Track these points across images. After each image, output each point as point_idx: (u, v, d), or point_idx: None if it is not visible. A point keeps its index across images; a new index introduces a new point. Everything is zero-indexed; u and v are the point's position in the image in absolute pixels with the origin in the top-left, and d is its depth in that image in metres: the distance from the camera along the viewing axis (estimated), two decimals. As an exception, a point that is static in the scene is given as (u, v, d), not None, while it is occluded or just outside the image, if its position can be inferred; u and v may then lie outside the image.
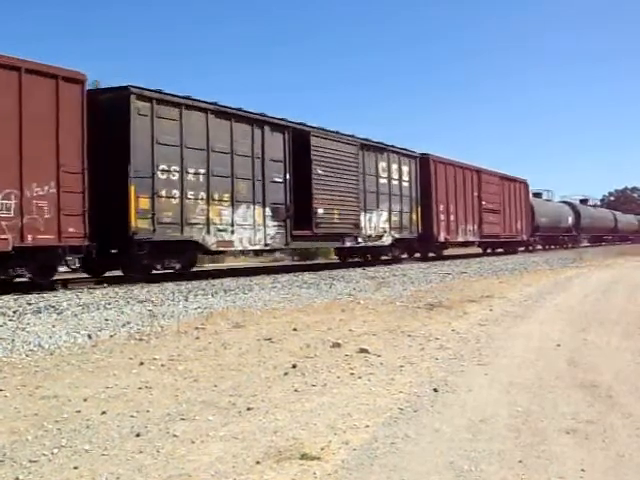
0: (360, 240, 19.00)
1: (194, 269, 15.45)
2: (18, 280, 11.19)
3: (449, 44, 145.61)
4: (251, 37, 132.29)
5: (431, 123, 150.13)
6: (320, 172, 17.11)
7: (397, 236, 20.73)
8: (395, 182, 20.74)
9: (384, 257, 21.02)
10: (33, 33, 75.69)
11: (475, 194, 26.11)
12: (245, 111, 14.87)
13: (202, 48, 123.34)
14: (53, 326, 7.27)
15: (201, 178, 13.47)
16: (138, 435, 3.69)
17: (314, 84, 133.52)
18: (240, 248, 15.28)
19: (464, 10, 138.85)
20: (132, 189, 11.91)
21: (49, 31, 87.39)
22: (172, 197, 12.80)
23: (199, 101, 13.67)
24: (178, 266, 13.77)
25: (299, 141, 16.44)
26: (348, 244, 18.87)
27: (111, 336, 6.90)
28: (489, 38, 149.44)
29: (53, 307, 8.82)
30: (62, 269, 12.38)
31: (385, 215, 20.15)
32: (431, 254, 24.08)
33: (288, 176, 16.02)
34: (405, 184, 21.33)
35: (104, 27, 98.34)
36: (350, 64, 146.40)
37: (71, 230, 11.06)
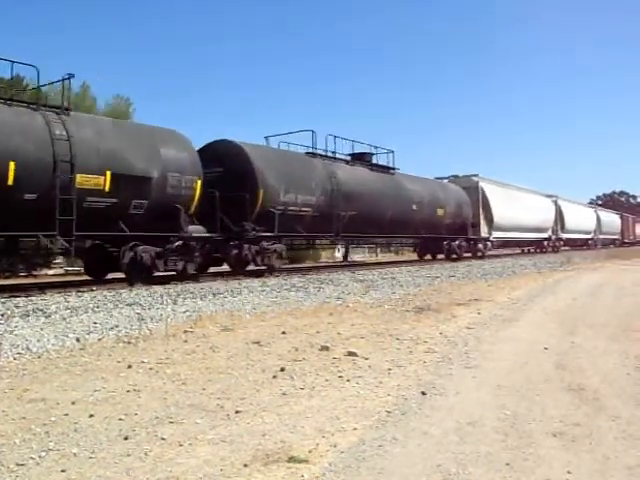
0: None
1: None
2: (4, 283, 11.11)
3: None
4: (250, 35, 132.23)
5: (429, 123, 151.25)
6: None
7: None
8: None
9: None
10: (32, 33, 75.13)
11: None
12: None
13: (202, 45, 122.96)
14: (41, 329, 7.25)
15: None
16: (126, 438, 3.68)
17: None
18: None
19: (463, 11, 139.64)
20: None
21: (48, 30, 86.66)
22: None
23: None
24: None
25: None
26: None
27: (99, 339, 6.88)
28: (487, 37, 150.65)
29: (41, 310, 8.80)
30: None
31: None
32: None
33: None
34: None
35: (103, 26, 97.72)
36: (349, 62, 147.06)
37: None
